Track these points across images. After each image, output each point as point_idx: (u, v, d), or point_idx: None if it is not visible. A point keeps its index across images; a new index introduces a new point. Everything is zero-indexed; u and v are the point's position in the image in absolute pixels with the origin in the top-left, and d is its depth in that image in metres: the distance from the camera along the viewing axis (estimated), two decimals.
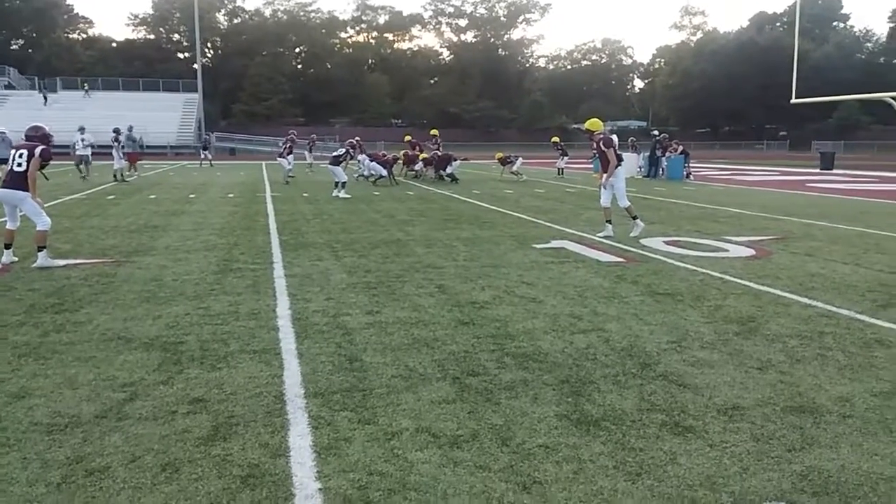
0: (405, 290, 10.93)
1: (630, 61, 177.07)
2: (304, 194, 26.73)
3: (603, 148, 15.92)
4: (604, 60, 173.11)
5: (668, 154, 42.80)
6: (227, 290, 11.06)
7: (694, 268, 12.83)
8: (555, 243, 15.18)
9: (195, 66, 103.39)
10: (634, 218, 16.03)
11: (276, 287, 11.15)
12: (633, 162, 42.97)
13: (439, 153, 37.87)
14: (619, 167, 16.07)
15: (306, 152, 45.53)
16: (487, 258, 13.62)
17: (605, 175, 16.00)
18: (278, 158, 37.09)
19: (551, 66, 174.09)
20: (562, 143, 44.27)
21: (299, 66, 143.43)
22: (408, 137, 42.00)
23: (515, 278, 11.72)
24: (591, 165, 46.83)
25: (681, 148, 43.16)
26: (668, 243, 15.24)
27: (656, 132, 44.96)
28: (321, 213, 19.85)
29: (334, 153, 27.29)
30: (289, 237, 15.91)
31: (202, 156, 57.00)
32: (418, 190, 28.67)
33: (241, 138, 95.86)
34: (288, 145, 37.35)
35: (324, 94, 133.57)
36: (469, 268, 12.55)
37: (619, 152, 17.03)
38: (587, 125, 16.20)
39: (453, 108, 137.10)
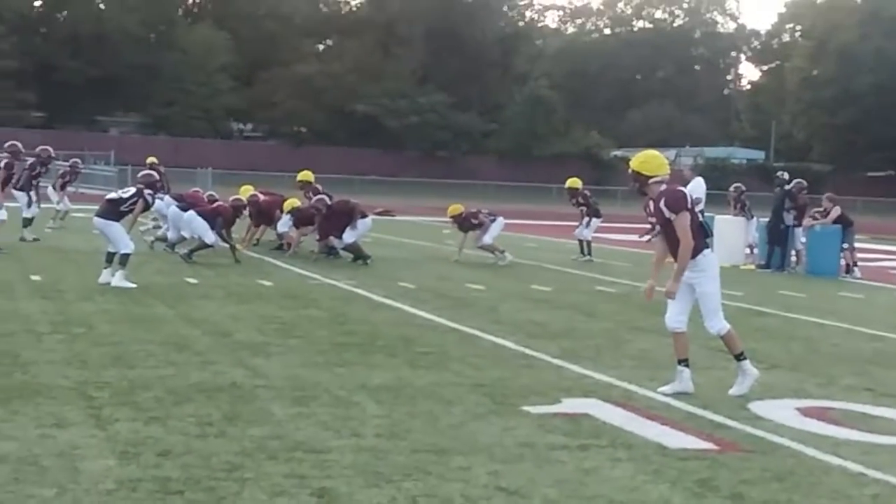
0: (243, 503, 6.75)
1: (732, 27, 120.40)
2: (34, 277, 17.70)
3: (667, 212, 10.02)
4: (678, 24, 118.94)
5: (807, 221, 26.61)
6: None
7: (860, 469, 8.08)
8: (571, 404, 9.85)
9: None
10: (740, 357, 10.49)
11: None
12: (737, 236, 27.77)
13: (322, 204, 22.97)
14: (708, 253, 10.46)
15: (50, 188, 30.90)
16: (425, 433, 8.55)
17: (674, 267, 10.44)
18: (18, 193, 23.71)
19: (570, 30, 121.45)
20: (587, 193, 27.60)
21: (37, 6, 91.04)
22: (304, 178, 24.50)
23: (484, 481, 7.28)
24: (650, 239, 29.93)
25: (835, 209, 26.46)
26: (806, 413, 10.05)
27: (785, 175, 27.85)
28: (69, 321, 13.02)
29: (113, 194, 18.52)
30: None
31: None
32: (284, 276, 19.72)
33: None
34: (64, 178, 29.20)
35: (88, 65, 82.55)
36: (384, 454, 7.89)
37: (705, 218, 11.92)
38: (636, 164, 10.25)
39: (365, 106, 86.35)
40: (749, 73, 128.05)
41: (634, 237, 27.88)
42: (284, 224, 22.72)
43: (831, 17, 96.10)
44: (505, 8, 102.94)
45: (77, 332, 12.00)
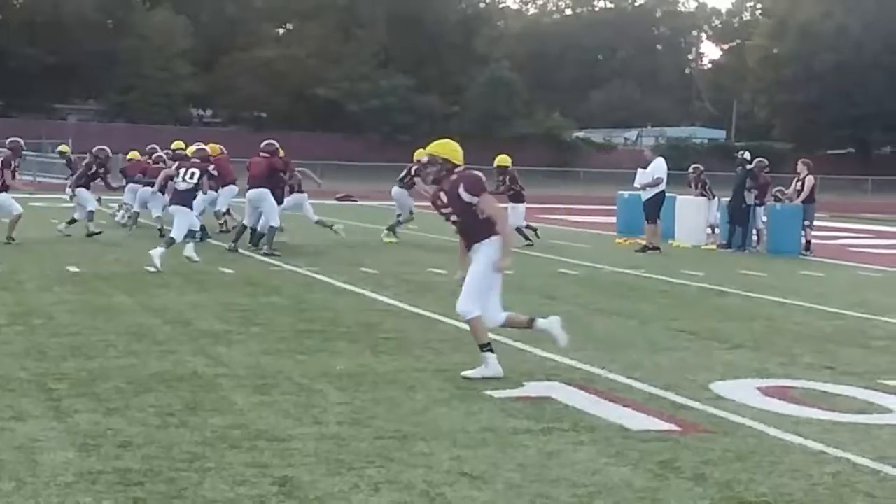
0: (204, 493, 6.50)
1: (693, 6, 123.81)
2: None
3: (467, 196, 9.97)
4: (639, 4, 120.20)
5: (767, 199, 26.34)
6: None
7: (821, 447, 8.04)
8: (533, 387, 9.64)
9: None
10: (484, 349, 9.96)
11: None
12: (698, 216, 27.60)
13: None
14: (495, 240, 10.05)
15: None
16: (387, 419, 8.38)
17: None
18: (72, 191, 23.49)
19: (531, 12, 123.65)
20: (515, 174, 25.88)
21: None
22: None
23: (447, 467, 7.14)
24: (615, 222, 30.11)
25: (809, 178, 25.88)
26: (766, 392, 9.93)
27: (746, 154, 27.33)
28: (28, 312, 12.78)
29: (182, 184, 18.28)
30: None
31: None
32: (245, 263, 19.31)
33: None
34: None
35: (45, 52, 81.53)
36: (346, 441, 7.74)
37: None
38: (446, 152, 10.32)
39: (326, 90, 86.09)
40: (710, 52, 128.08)
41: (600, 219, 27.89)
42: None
43: None
44: None
45: (35, 324, 11.79)
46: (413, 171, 22.41)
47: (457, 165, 10.23)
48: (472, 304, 9.78)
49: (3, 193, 19.12)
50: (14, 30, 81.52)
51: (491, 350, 9.75)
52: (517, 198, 24.37)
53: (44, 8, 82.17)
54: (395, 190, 23.98)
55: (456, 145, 10.40)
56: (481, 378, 9.60)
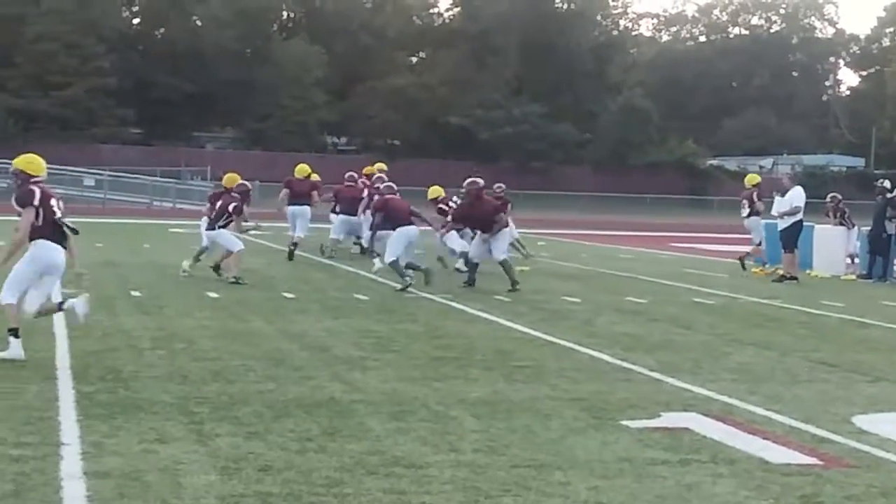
0: None
1: (830, 32, 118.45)
2: (134, 293, 17.45)
3: (16, 206, 11.44)
4: (775, 30, 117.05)
5: None
6: None
7: None
8: (670, 417, 9.54)
9: None
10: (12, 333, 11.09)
11: None
12: (837, 245, 26.63)
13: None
14: (40, 243, 11.43)
15: None
16: (523, 448, 8.27)
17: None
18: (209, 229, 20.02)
19: (664, 39, 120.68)
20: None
21: (135, 24, 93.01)
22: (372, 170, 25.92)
23: (584, 497, 7.02)
24: (755, 250, 27.10)
25: None
26: None
27: (886, 182, 26.07)
28: (171, 336, 12.90)
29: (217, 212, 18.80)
30: (98, 387, 9.84)
31: None
32: (380, 290, 19.24)
33: (4, 167, 67.50)
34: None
35: (185, 81, 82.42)
36: (483, 469, 7.63)
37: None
38: (21, 164, 11.36)
39: (458, 118, 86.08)
40: (848, 78, 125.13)
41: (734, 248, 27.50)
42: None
43: None
44: (599, 17, 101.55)
45: (177, 348, 11.94)
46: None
47: (32, 176, 11.13)
48: (9, 294, 10.92)
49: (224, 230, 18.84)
50: (155, 60, 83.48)
51: (17, 335, 10.74)
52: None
53: (184, 38, 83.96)
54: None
55: (33, 157, 11.33)
56: (8, 360, 10.61)
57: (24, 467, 6.95)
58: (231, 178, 19.57)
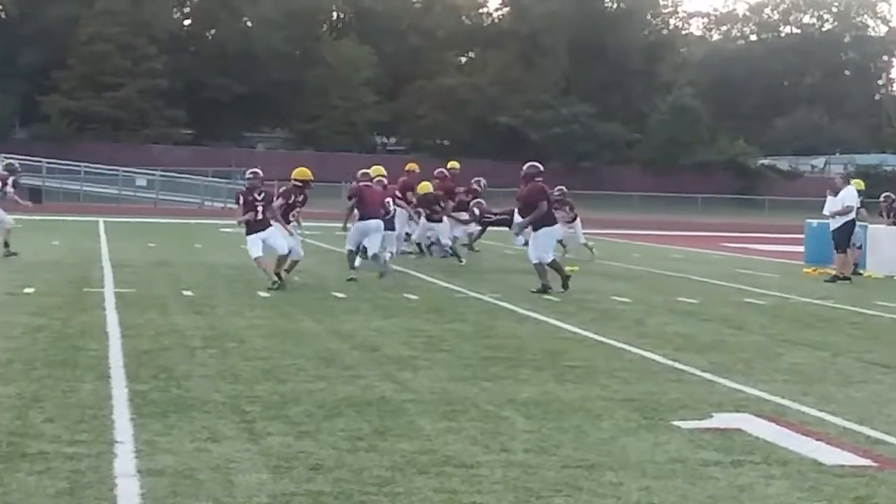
0: None
1: (883, 30, 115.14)
2: (186, 292, 17.52)
3: None
4: (827, 28, 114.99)
5: None
6: None
7: None
8: (722, 419, 9.42)
9: None
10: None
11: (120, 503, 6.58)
12: (892, 245, 26.22)
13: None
14: None
15: None
16: (574, 448, 8.21)
17: None
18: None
19: (714, 38, 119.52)
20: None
21: (186, 25, 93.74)
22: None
23: (636, 498, 6.94)
24: (803, 251, 28.69)
25: None
26: None
27: None
28: (221, 336, 12.92)
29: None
30: (150, 386, 9.84)
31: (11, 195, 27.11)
32: (429, 289, 19.37)
33: (59, 167, 63.01)
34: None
35: (235, 82, 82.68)
36: (534, 469, 7.56)
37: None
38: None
39: (507, 118, 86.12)
40: None
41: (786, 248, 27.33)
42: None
43: None
44: (649, 16, 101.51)
45: (228, 347, 11.94)
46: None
47: None
48: None
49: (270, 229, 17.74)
50: (206, 61, 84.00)
51: None
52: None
53: (235, 39, 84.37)
54: None
55: None
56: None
57: (79, 465, 6.97)
58: (301, 172, 18.65)
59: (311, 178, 18.62)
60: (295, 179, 18.39)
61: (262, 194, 17.54)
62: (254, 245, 17.34)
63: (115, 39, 76.80)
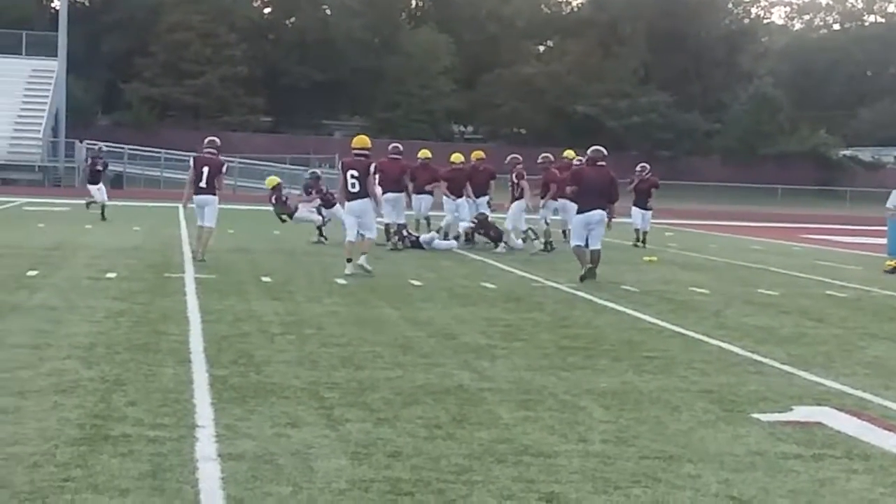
0: None
1: None
2: (265, 278, 17.42)
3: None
4: None
5: None
6: (94, 487, 6.41)
7: None
8: (802, 411, 9.23)
9: (55, 3, 76.59)
10: None
11: (202, 487, 6.50)
12: None
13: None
14: None
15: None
16: (652, 439, 8.06)
17: None
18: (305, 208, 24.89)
19: (796, 27, 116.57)
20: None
21: (266, 13, 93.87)
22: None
23: (714, 490, 6.81)
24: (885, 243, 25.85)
25: None
26: None
27: None
28: (300, 322, 12.81)
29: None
30: (230, 371, 9.77)
31: (98, 185, 32.13)
32: (506, 278, 19.03)
33: (140, 153, 63.08)
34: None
35: (314, 70, 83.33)
36: (612, 460, 7.47)
37: None
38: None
39: (585, 107, 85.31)
40: None
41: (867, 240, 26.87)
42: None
43: None
44: (730, 5, 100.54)
45: (307, 333, 11.85)
46: None
47: None
48: None
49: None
50: (286, 49, 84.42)
51: None
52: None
53: (314, 27, 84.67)
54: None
55: None
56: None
57: (161, 448, 6.98)
58: (360, 140, 18.92)
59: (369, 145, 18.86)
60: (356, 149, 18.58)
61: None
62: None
63: (197, 27, 77.52)
